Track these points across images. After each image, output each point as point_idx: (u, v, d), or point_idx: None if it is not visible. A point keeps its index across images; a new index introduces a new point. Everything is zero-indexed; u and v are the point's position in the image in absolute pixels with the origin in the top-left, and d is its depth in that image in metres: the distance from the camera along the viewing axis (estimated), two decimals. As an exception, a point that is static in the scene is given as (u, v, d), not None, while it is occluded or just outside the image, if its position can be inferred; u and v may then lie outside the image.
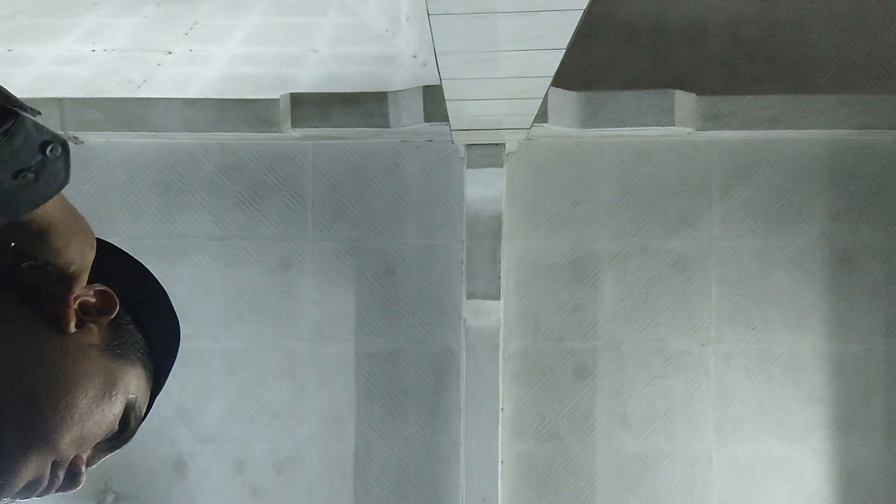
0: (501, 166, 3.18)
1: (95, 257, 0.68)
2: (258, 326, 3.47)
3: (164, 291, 0.79)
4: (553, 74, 1.97)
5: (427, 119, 3.12)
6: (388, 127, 3.21)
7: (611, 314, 3.44)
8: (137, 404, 0.73)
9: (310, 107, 3.21)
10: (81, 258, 0.66)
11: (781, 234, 3.39)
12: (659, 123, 3.18)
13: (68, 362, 0.65)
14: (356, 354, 3.47)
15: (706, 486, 3.43)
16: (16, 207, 0.55)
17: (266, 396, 3.49)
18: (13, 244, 0.65)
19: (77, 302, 0.69)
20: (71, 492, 0.68)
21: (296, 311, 3.48)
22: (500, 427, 3.29)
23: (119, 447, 0.74)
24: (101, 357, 0.69)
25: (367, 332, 3.47)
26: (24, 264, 0.66)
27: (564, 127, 3.19)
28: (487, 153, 3.17)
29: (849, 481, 3.39)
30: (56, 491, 0.67)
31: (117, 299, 0.72)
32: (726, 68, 3.58)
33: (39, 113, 0.55)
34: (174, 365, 0.79)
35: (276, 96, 3.28)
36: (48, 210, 0.58)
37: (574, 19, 1.53)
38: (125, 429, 0.72)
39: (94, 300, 0.70)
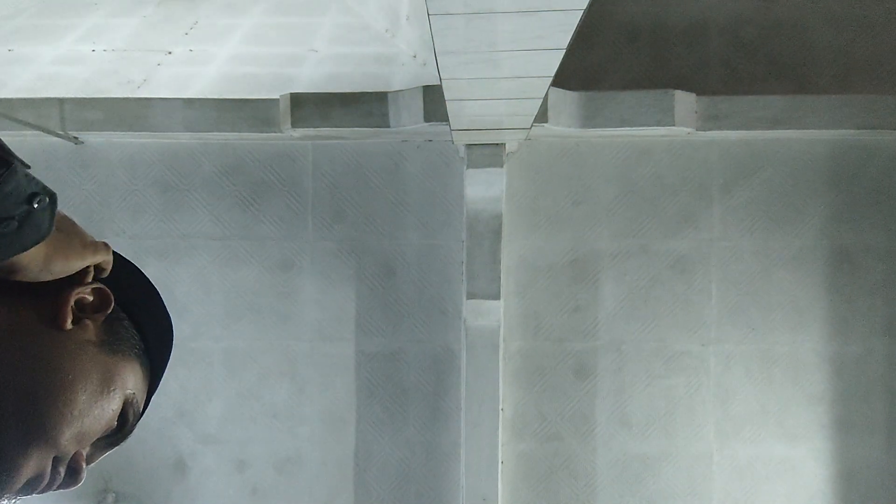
0: (501, 166, 3.18)
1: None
2: (258, 326, 3.47)
3: (156, 290, 0.80)
4: (553, 74, 1.97)
5: (427, 119, 3.12)
6: (388, 127, 3.21)
7: (611, 314, 3.44)
8: (135, 400, 0.73)
9: (310, 107, 3.21)
10: (70, 269, 0.67)
11: (782, 235, 3.39)
12: (659, 123, 3.18)
13: (65, 358, 0.66)
14: (356, 354, 3.47)
15: (707, 486, 3.43)
16: None
17: (266, 396, 3.49)
18: None
19: (73, 299, 0.69)
20: (72, 489, 0.68)
21: (296, 311, 3.48)
22: (500, 427, 3.29)
23: (118, 444, 0.74)
24: (98, 353, 0.69)
25: (367, 332, 3.47)
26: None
27: (564, 127, 3.19)
28: (487, 153, 3.17)
29: (849, 481, 3.39)
30: (57, 488, 0.67)
31: (112, 296, 0.73)
32: (726, 68, 3.58)
33: (29, 167, 0.57)
34: (169, 363, 0.80)
35: (276, 96, 3.28)
36: (28, 254, 0.59)
37: (574, 19, 1.53)
38: (124, 425, 0.72)
39: (90, 297, 0.71)
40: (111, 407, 0.70)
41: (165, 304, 0.80)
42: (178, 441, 3.51)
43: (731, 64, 3.58)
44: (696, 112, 3.24)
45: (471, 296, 3.23)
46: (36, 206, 0.55)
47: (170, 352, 0.80)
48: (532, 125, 2.84)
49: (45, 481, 0.65)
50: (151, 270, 0.81)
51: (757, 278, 3.40)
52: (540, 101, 2.37)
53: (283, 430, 3.50)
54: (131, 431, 0.74)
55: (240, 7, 4.14)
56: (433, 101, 3.05)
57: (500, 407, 3.32)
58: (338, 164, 3.45)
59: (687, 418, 3.43)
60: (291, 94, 3.23)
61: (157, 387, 0.80)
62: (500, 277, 3.21)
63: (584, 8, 1.47)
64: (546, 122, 3.10)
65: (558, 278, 3.43)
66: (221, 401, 3.50)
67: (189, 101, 3.30)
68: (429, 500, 3.48)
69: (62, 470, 0.66)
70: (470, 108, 2.47)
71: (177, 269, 3.43)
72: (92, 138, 3.42)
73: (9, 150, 0.55)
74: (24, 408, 0.62)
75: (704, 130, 3.27)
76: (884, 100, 3.23)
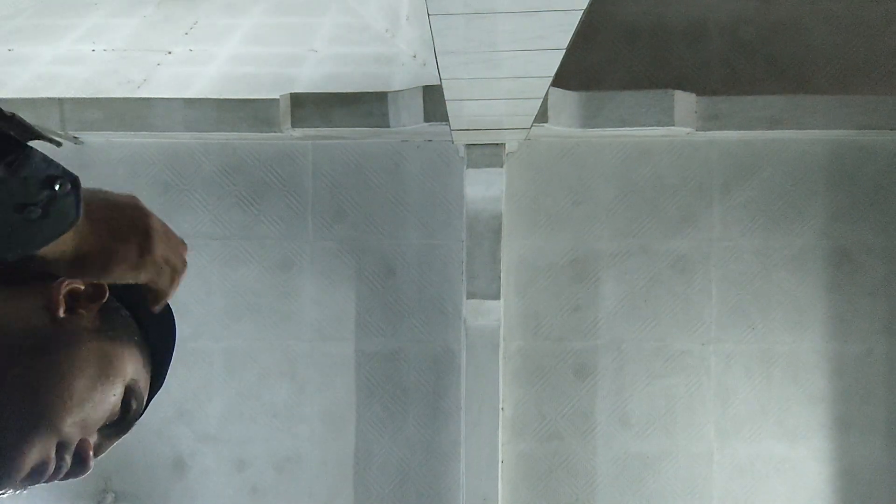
0: (501, 166, 3.18)
1: None
2: (258, 326, 3.47)
3: None
4: (553, 74, 1.97)
5: (427, 119, 3.12)
6: (388, 127, 3.21)
7: (611, 314, 3.44)
8: (138, 387, 0.73)
9: (310, 107, 3.21)
10: (103, 276, 0.65)
11: (781, 234, 3.39)
12: (659, 123, 3.18)
13: (61, 345, 0.66)
14: (356, 354, 3.47)
15: (707, 486, 3.43)
16: (22, 244, 0.53)
17: (266, 396, 3.49)
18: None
19: (66, 289, 0.69)
20: (80, 477, 0.68)
21: (296, 311, 3.48)
22: (500, 427, 3.29)
23: (124, 432, 0.74)
24: (95, 340, 0.69)
25: (367, 331, 3.47)
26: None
27: (564, 127, 3.19)
28: (487, 153, 3.17)
29: (849, 481, 3.39)
30: (64, 477, 0.67)
31: (107, 287, 0.72)
32: (726, 68, 3.58)
33: (60, 144, 0.55)
34: (173, 356, 0.80)
35: (276, 96, 3.28)
36: (60, 245, 0.56)
37: (574, 19, 1.53)
38: (127, 412, 0.72)
39: (83, 287, 0.71)
40: (112, 392, 0.69)
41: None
42: (177, 440, 3.51)
43: (731, 64, 3.58)
44: (695, 112, 3.24)
45: (471, 295, 3.23)
46: (58, 189, 0.53)
47: (173, 345, 0.80)
48: (532, 125, 2.84)
49: (51, 469, 0.65)
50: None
51: (757, 278, 3.40)
52: (540, 101, 2.37)
53: (282, 429, 3.50)
54: (136, 419, 0.74)
55: (240, 7, 4.14)
56: (433, 101, 3.05)
57: (500, 406, 3.32)
58: (338, 164, 3.45)
59: (687, 418, 3.43)
60: (291, 94, 3.23)
61: (165, 376, 0.80)
62: (500, 277, 3.22)
63: (584, 8, 1.48)
64: (546, 122, 3.10)
65: (558, 278, 3.44)
66: (221, 400, 3.50)
67: (189, 101, 3.30)
68: (429, 499, 3.48)
69: (68, 458, 0.66)
70: (470, 108, 2.48)
71: (177, 269, 3.42)
72: (92, 138, 3.42)
73: (32, 128, 0.53)
74: (23, 394, 0.62)
75: (704, 130, 3.27)
76: (883, 100, 3.23)
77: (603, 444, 3.45)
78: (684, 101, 3.20)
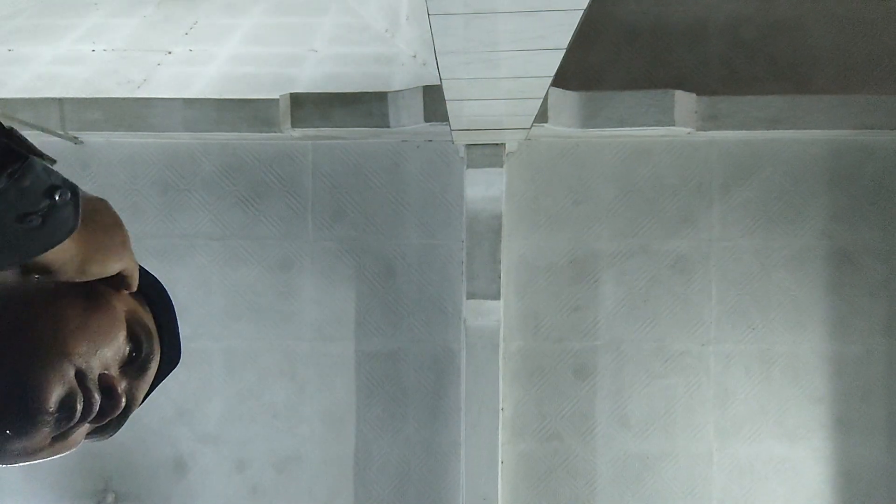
0: (501, 166, 3.19)
1: None
2: (258, 326, 3.47)
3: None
4: (553, 74, 1.97)
5: (427, 119, 3.12)
6: (388, 127, 3.21)
7: (611, 314, 3.44)
8: (144, 322, 0.74)
9: (310, 107, 3.21)
10: (107, 271, 0.67)
11: (781, 234, 3.39)
12: (659, 123, 3.18)
13: (46, 287, 0.67)
14: (356, 354, 3.47)
15: (706, 486, 3.43)
16: (22, 251, 0.55)
17: (266, 396, 3.49)
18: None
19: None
20: (117, 416, 0.68)
21: (296, 311, 3.48)
22: (500, 427, 3.29)
23: (145, 370, 0.73)
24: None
25: (367, 331, 3.47)
26: None
27: (564, 127, 3.19)
28: (487, 153, 3.17)
29: (848, 481, 3.39)
30: (99, 417, 0.66)
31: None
32: (726, 68, 3.58)
33: (55, 161, 0.56)
34: (178, 319, 0.80)
35: (276, 96, 3.28)
36: (61, 251, 0.58)
37: (574, 19, 1.53)
38: (139, 347, 0.72)
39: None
40: (113, 322, 0.69)
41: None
42: (177, 441, 3.51)
43: (731, 64, 3.58)
44: (695, 112, 3.24)
45: (471, 296, 3.23)
46: (58, 199, 0.54)
47: (170, 304, 0.80)
48: (532, 125, 2.84)
49: (81, 402, 0.64)
50: (151, 270, 0.81)
51: (757, 278, 3.40)
52: (540, 101, 2.37)
53: (283, 429, 3.50)
54: (151, 356, 0.74)
55: (240, 7, 4.14)
56: (433, 101, 3.05)
57: (500, 407, 3.32)
58: (338, 164, 3.45)
59: (686, 418, 3.43)
60: (291, 94, 3.23)
61: (178, 338, 0.80)
62: (499, 277, 3.22)
63: (584, 8, 1.48)
64: (546, 122, 3.11)
65: (558, 278, 3.44)
66: (221, 400, 3.50)
67: (189, 101, 3.30)
68: (429, 499, 3.48)
69: (94, 390, 0.65)
70: (470, 108, 2.48)
71: (177, 269, 3.43)
72: (92, 138, 3.42)
73: (28, 143, 0.54)
74: (18, 324, 0.63)
75: (704, 130, 3.27)
76: (883, 100, 3.23)
77: (603, 444, 3.45)
78: (684, 101, 3.20)
